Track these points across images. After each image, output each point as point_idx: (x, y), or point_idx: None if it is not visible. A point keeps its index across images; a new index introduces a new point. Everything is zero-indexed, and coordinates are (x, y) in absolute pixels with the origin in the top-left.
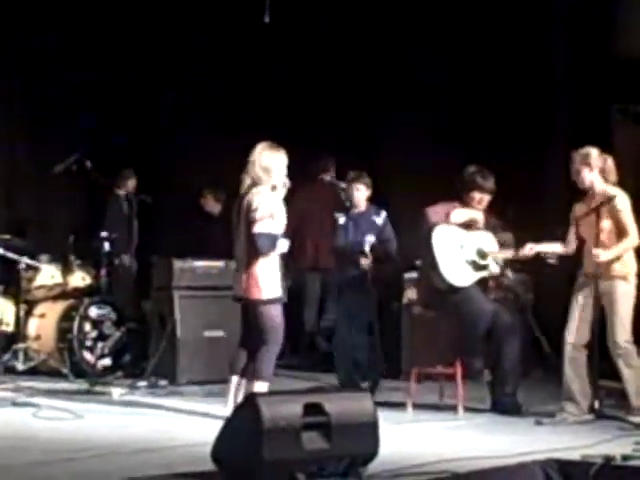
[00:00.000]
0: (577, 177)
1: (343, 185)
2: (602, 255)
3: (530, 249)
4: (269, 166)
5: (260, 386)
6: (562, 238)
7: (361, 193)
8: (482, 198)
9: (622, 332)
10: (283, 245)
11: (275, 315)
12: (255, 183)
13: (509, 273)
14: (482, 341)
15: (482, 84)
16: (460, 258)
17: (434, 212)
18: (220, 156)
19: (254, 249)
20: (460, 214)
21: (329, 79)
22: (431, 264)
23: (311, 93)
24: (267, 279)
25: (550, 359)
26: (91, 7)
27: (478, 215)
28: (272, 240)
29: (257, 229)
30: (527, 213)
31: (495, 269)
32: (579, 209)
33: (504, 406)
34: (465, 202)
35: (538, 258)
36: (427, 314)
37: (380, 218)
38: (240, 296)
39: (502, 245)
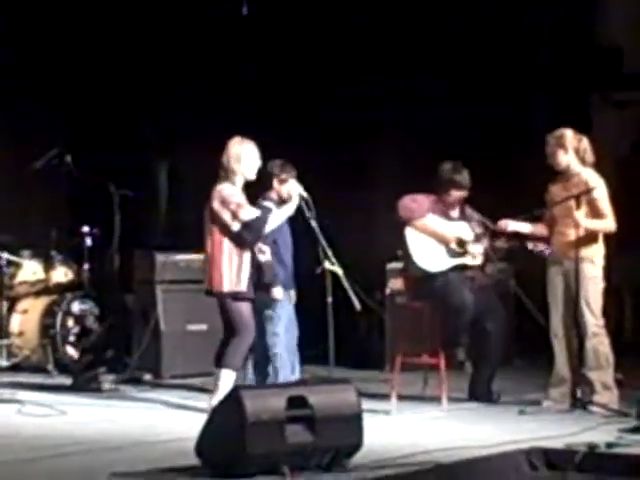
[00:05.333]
0: (552, 159)
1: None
2: (582, 220)
3: (505, 224)
4: (237, 161)
5: (226, 374)
6: (539, 219)
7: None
8: (460, 195)
9: (592, 317)
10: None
11: (241, 310)
12: (222, 178)
13: (491, 263)
14: (465, 332)
15: (463, 74)
16: (435, 245)
17: (412, 200)
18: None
19: (222, 242)
20: (432, 224)
21: (309, 76)
22: (405, 253)
23: (292, 91)
24: (233, 273)
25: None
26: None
27: (446, 236)
28: (257, 224)
29: (239, 223)
30: (508, 199)
31: (474, 258)
32: (555, 190)
33: (476, 394)
34: (443, 198)
35: (531, 253)
36: (410, 304)
37: None
38: (208, 289)
39: (477, 237)
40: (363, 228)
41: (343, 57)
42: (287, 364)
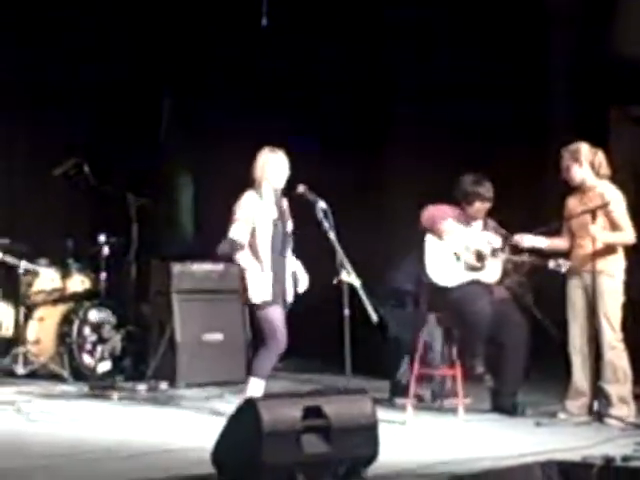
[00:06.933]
0: (567, 174)
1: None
2: (598, 234)
3: (521, 239)
4: (259, 171)
5: (253, 382)
6: (557, 232)
7: None
8: (483, 207)
9: (610, 331)
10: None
11: (269, 318)
12: (251, 186)
13: (510, 277)
14: (483, 343)
15: (480, 84)
16: (452, 259)
17: (435, 208)
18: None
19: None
20: (450, 228)
21: (326, 78)
22: (421, 263)
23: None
24: (254, 283)
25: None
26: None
27: (457, 241)
28: (229, 244)
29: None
30: (524, 214)
31: (491, 274)
32: (572, 204)
33: (503, 407)
34: (465, 210)
35: (548, 270)
36: (428, 314)
37: None
38: (242, 300)
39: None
40: (378, 237)
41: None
42: None
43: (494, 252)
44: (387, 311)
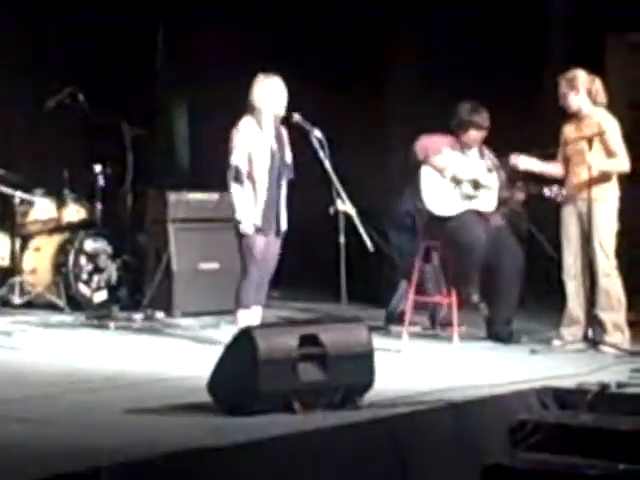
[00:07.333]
0: (564, 101)
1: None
2: (594, 161)
3: (516, 160)
4: (256, 97)
5: (241, 314)
6: (552, 158)
7: None
8: (479, 135)
9: (605, 259)
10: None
11: (250, 247)
12: (247, 112)
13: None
14: (478, 272)
15: (476, 12)
16: (448, 188)
17: (428, 139)
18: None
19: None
20: (447, 160)
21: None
22: (417, 193)
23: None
24: (242, 211)
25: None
26: None
27: (457, 175)
28: (232, 171)
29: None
30: (520, 141)
31: (487, 204)
32: (568, 131)
33: (498, 334)
34: (461, 138)
35: (543, 198)
36: (424, 242)
37: None
38: None
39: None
40: (376, 167)
41: None
42: None
43: (490, 171)
44: (389, 233)
